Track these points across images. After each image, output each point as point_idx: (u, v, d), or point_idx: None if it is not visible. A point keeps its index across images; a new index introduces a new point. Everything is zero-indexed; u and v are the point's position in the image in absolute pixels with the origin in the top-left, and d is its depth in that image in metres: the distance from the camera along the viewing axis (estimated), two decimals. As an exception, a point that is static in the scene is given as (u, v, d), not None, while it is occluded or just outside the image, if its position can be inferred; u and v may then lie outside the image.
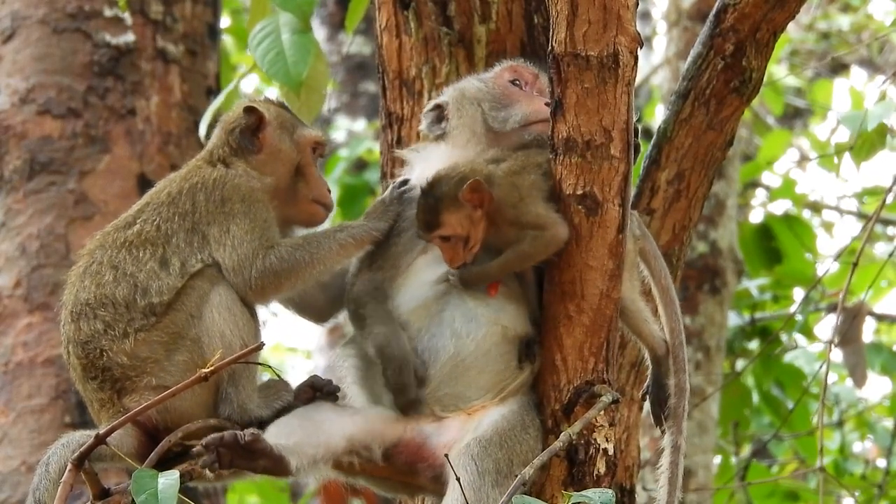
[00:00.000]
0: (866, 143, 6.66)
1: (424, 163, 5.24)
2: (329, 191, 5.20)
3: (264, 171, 5.11)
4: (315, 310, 5.24)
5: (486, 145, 5.18)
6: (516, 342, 5.00)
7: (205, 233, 4.93)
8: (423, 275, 5.01)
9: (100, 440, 4.51)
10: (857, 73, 16.00)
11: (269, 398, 4.95)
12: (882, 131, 6.58)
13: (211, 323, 4.86)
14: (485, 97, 5.24)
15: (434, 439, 4.96)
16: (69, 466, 4.53)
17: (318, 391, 5.01)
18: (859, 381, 9.25)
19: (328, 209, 5.18)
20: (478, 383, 4.97)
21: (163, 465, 4.63)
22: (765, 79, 5.65)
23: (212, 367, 4.49)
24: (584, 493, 4.48)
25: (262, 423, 4.91)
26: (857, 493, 9.87)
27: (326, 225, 5.22)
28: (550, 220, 4.92)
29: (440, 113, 5.28)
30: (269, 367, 4.99)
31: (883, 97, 6.98)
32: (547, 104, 5.14)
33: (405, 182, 5.18)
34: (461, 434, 4.93)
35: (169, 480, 4.34)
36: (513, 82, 5.28)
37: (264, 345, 4.80)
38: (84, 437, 4.83)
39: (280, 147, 5.15)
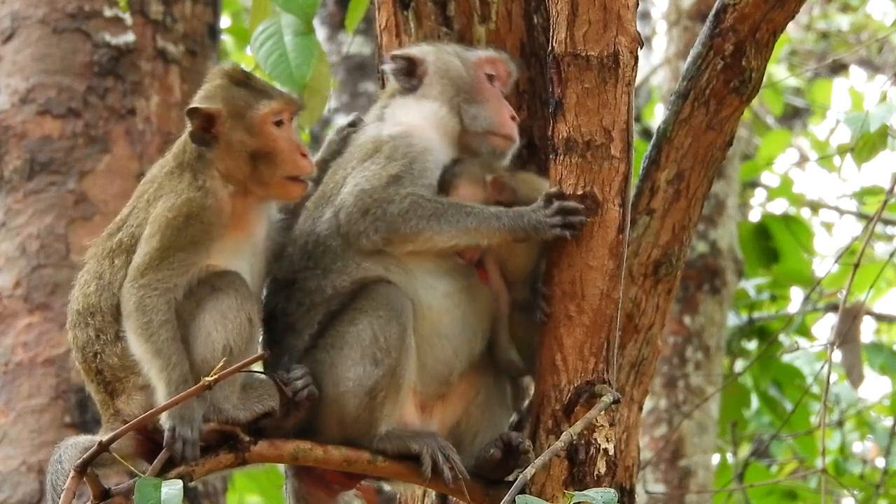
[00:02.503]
0: (867, 144, 6.67)
1: (388, 113, 5.20)
2: (304, 154, 4.90)
3: (227, 168, 4.90)
4: None
5: (448, 129, 5.15)
6: None
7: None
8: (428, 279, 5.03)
9: (103, 447, 4.50)
10: (857, 73, 16.03)
11: (250, 400, 4.83)
12: (883, 133, 6.59)
13: (198, 325, 4.82)
14: (464, 85, 5.20)
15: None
16: (72, 473, 4.52)
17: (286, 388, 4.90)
18: (855, 380, 9.26)
19: (305, 180, 4.93)
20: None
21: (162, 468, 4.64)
22: (764, 79, 5.66)
23: (216, 375, 4.46)
24: (586, 492, 4.48)
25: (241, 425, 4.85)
26: (856, 493, 9.87)
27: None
28: None
29: (413, 68, 5.24)
30: (270, 374, 4.93)
31: (884, 98, 6.99)
32: (513, 118, 5.17)
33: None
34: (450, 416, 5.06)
35: (173, 490, 4.30)
36: (489, 77, 5.25)
37: (269, 354, 4.78)
38: (88, 441, 4.82)
39: (231, 138, 4.91)
